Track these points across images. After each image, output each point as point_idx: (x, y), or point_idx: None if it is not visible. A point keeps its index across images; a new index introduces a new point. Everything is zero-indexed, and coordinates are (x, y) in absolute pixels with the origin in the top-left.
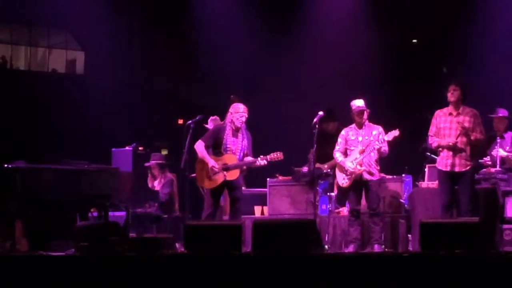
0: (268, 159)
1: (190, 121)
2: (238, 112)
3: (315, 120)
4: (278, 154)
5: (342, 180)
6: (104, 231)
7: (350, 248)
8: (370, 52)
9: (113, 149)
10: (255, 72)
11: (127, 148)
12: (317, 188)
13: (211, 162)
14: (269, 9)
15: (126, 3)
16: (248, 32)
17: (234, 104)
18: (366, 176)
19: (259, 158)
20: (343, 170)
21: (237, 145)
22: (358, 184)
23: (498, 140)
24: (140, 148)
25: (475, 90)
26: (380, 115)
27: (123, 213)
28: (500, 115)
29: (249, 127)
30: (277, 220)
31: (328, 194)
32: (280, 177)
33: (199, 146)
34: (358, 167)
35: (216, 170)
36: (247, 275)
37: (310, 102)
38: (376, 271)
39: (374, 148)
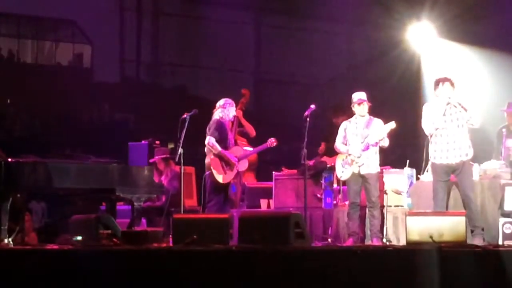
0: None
1: (185, 115)
2: (233, 106)
3: (306, 113)
4: (272, 141)
5: (341, 173)
6: (95, 225)
7: (349, 242)
8: (375, 47)
9: (130, 143)
10: (265, 67)
11: (143, 142)
12: (321, 181)
13: (232, 158)
14: (278, 6)
15: None
16: (257, 27)
17: (226, 99)
18: (365, 169)
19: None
20: (343, 160)
21: (233, 138)
22: (357, 177)
23: (504, 133)
24: (156, 142)
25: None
26: (384, 109)
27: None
28: None
29: (259, 121)
30: (261, 214)
31: (334, 187)
32: (286, 171)
33: (214, 143)
34: (356, 159)
35: (237, 165)
36: (230, 268)
37: (320, 97)
38: (361, 265)
39: (375, 143)
